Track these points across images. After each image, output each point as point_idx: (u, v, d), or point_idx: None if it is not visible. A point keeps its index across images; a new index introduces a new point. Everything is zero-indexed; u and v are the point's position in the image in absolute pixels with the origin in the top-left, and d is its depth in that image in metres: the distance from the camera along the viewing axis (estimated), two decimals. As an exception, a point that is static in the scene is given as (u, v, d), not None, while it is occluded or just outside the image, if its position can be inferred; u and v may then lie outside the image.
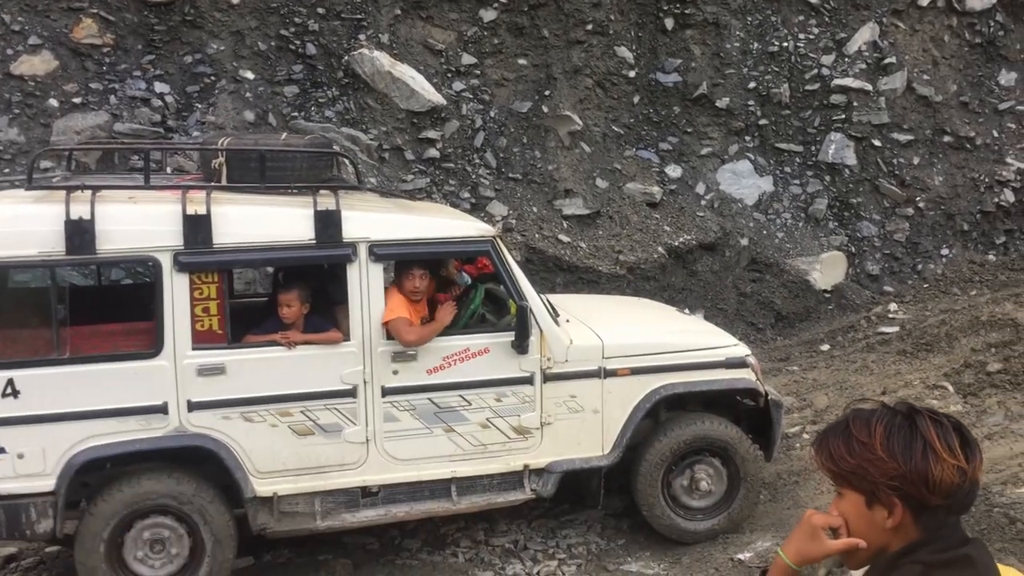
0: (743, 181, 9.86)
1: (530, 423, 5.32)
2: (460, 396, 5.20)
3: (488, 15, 9.39)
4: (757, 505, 5.82)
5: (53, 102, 7.97)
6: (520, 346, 5.23)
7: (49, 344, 4.79)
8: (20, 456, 4.66)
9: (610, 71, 9.72)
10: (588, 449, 5.43)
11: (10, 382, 4.64)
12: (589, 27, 9.62)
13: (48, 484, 4.70)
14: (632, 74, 9.78)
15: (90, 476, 4.90)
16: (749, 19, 10.11)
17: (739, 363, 5.68)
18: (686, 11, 9.88)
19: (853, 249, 9.88)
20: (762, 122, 10.01)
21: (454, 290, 5.65)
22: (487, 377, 5.25)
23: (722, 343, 5.84)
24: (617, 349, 5.49)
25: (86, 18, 8.21)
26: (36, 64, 8.03)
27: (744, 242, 9.50)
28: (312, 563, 5.47)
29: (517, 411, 5.30)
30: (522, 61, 9.52)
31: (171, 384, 4.84)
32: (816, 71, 10.09)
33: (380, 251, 5.10)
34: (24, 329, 5.06)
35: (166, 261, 4.83)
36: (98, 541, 4.77)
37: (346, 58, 8.89)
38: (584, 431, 5.41)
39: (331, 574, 5.31)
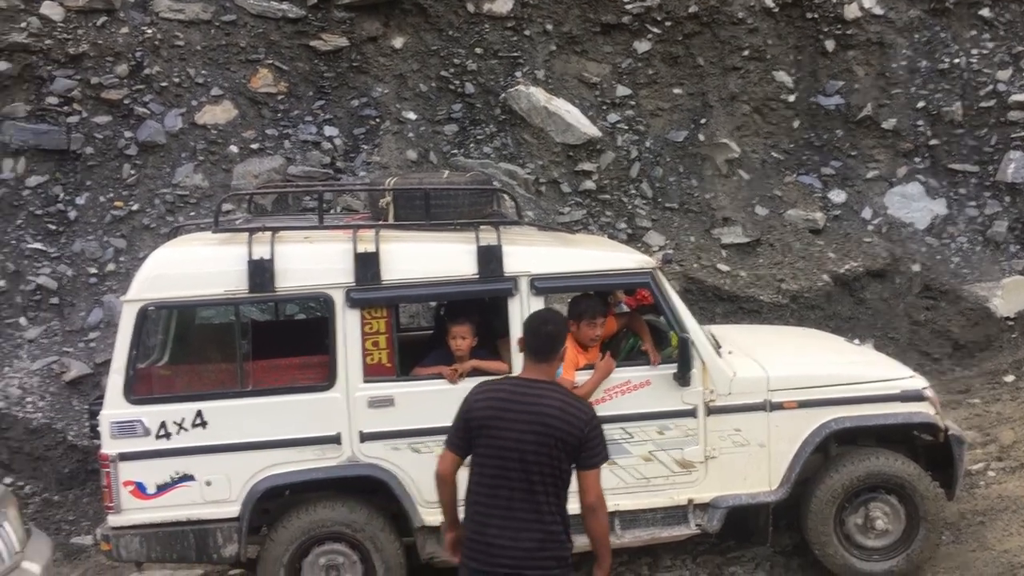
0: (913, 204, 9.42)
1: (694, 457, 5.24)
2: (622, 429, 5.17)
3: (642, 46, 9.40)
4: (939, 546, 5.51)
5: (233, 148, 8.50)
6: (682, 378, 5.18)
7: (234, 377, 5.09)
8: (208, 483, 4.95)
9: (768, 96, 9.53)
10: (755, 484, 5.30)
11: (199, 413, 4.95)
12: (746, 53, 9.49)
13: (233, 510, 4.97)
14: (791, 98, 9.56)
15: (270, 503, 5.16)
16: (916, 36, 9.71)
17: (916, 396, 5.42)
18: (848, 32, 9.58)
19: (1038, 273, 9.25)
20: (933, 142, 9.56)
21: (620, 323, 5.65)
22: (649, 410, 5.21)
23: (897, 375, 5.59)
24: (783, 381, 5.34)
25: (262, 69, 8.74)
26: (218, 113, 8.60)
27: (916, 268, 9.07)
28: (478, 593, 5.53)
29: (680, 444, 5.24)
30: (677, 90, 9.47)
31: (344, 416, 5.04)
32: (991, 87, 9.56)
33: (541, 284, 5.18)
34: (211, 363, 5.42)
35: (339, 297, 5.06)
36: (278, 566, 5.01)
37: (503, 95, 9.09)
38: (750, 465, 5.28)
39: (497, 604, 5.36)
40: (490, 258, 5.15)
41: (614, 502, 5.15)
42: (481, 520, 3.60)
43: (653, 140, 9.32)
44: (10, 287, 7.76)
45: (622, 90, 9.35)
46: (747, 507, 5.34)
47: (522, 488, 3.53)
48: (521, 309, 5.13)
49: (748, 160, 9.40)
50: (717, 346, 5.49)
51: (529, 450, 3.52)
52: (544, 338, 3.72)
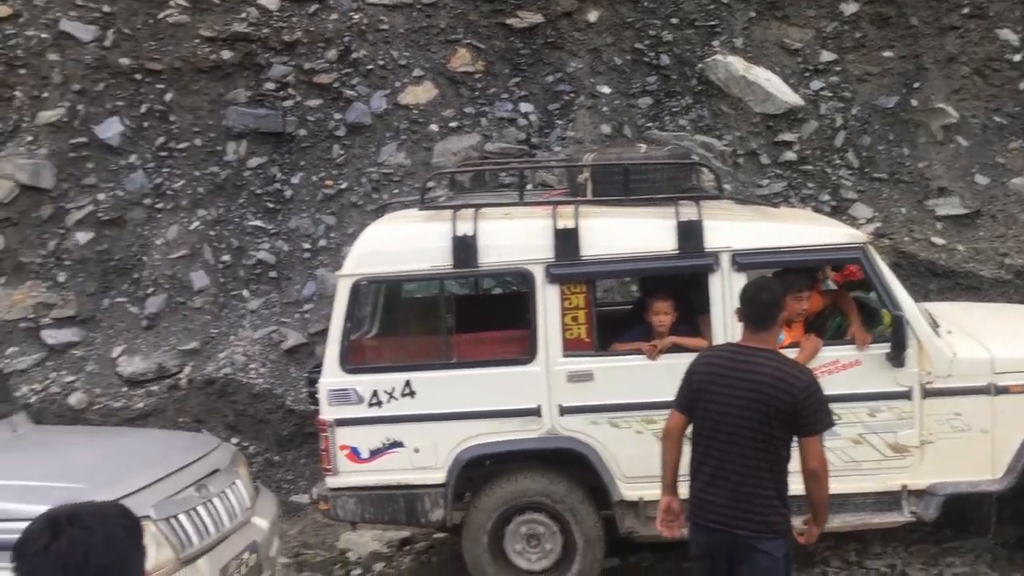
0: None
1: (908, 441, 4.99)
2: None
3: (849, 8, 8.93)
4: None
5: (433, 127, 8.75)
6: (896, 359, 4.94)
7: (439, 349, 5.29)
8: (416, 450, 5.16)
9: (990, 56, 8.83)
10: (976, 472, 4.99)
11: (407, 383, 5.16)
12: (965, 11, 8.82)
13: (439, 477, 5.15)
14: (1017, 58, 8.81)
15: (473, 471, 5.32)
16: None
17: None
18: (1085, -20, 8.74)
19: None
20: None
21: (825, 299, 5.44)
22: (858, 391, 5.00)
23: None
24: (1010, 364, 5.00)
25: (461, 48, 8.94)
26: (419, 93, 8.88)
27: None
28: (676, 570, 5.52)
29: (893, 428, 5.00)
30: (887, 53, 8.94)
31: (544, 389, 5.12)
32: None
33: (743, 260, 5.06)
34: (417, 335, 5.65)
35: (539, 273, 5.13)
36: (482, 532, 5.17)
37: (699, 65, 8.89)
38: (971, 452, 4.97)
39: (695, 582, 5.32)
40: (690, 233, 5.08)
41: (821, 485, 5.01)
42: (697, 477, 3.76)
43: (860, 107, 8.85)
44: (234, 261, 8.36)
45: (827, 55, 8.92)
46: (967, 496, 5.04)
47: (734, 451, 3.65)
48: (722, 285, 5.05)
49: (967, 126, 8.76)
50: (934, 325, 5.19)
51: (742, 415, 3.62)
52: (760, 306, 3.79)
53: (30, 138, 8.57)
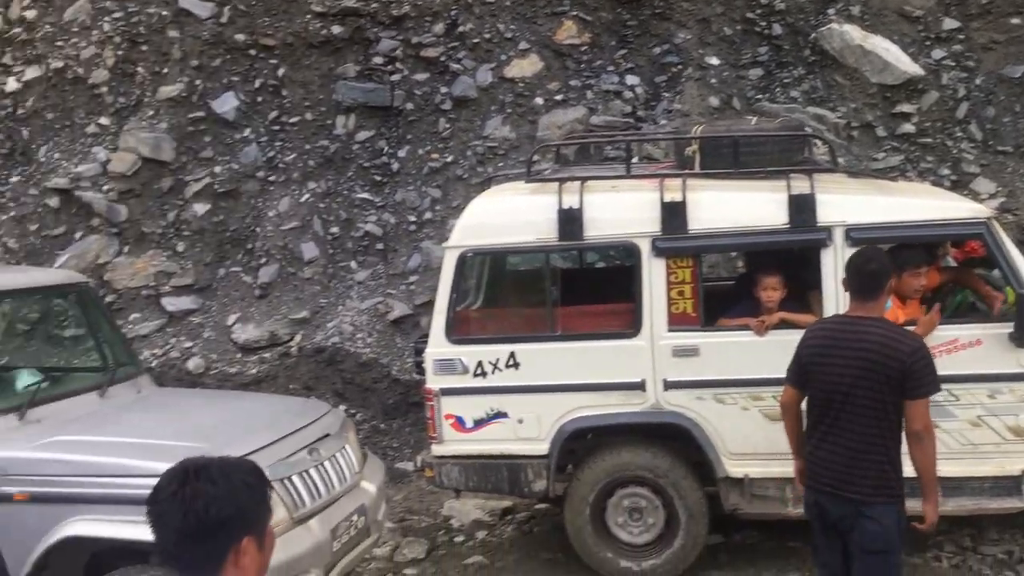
0: None
1: (1031, 425, 4.79)
2: (947, 391, 4.75)
3: (975, -28, 8.52)
4: None
5: (538, 100, 8.74)
6: (1020, 339, 4.73)
7: (544, 322, 5.30)
8: (520, 421, 5.20)
9: None
10: (1103, 458, 4.76)
11: (512, 355, 5.20)
12: (1103, -28, 8.32)
13: (542, 448, 5.19)
14: None
15: (576, 443, 5.33)
16: None
17: None
18: None
19: None
20: None
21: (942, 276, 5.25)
22: (978, 372, 4.81)
23: None
24: None
25: (567, 21, 8.88)
26: (524, 66, 8.87)
27: None
28: (781, 548, 5.44)
29: (1015, 411, 4.81)
30: (1015, 20, 8.49)
31: (648, 363, 5.09)
32: None
33: (857, 235, 4.91)
34: (521, 308, 5.67)
35: (645, 246, 5.09)
36: (584, 504, 5.19)
37: (813, 35, 8.62)
38: (1098, 438, 4.74)
39: (801, 562, 5.23)
40: (802, 207, 4.96)
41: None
42: (810, 443, 3.84)
43: (985, 77, 8.45)
44: (343, 233, 8.55)
45: (949, 23, 8.54)
46: (1093, 483, 4.81)
47: (844, 418, 3.68)
48: (835, 261, 4.91)
49: (1101, 95, 8.28)
50: (1062, 305, 4.94)
51: (853, 383, 3.64)
52: (867, 276, 3.77)
53: (151, 112, 8.93)
